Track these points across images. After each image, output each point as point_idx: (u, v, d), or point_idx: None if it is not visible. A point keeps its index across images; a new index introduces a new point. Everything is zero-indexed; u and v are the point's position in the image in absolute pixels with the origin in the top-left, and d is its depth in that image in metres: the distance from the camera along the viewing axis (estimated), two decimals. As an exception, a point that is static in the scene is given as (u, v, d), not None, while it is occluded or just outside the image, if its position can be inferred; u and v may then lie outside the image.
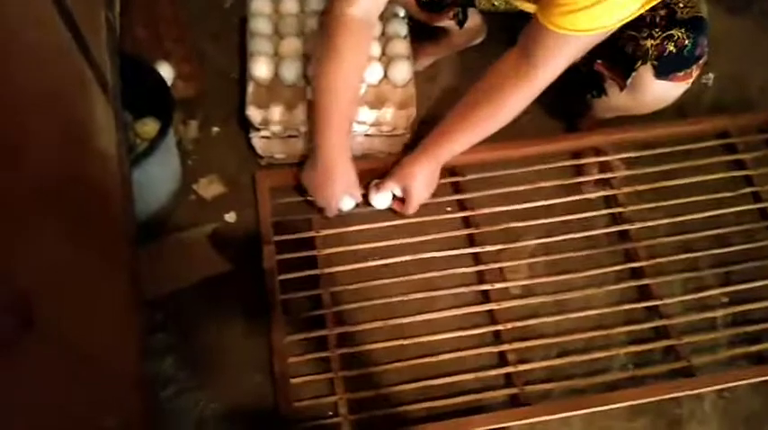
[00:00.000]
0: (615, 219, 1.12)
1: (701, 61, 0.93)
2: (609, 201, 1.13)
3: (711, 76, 1.30)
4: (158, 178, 1.00)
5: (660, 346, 1.02)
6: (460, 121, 0.99)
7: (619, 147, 1.16)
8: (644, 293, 1.06)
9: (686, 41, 0.90)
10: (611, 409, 0.96)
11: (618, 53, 0.93)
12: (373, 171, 1.07)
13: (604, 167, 1.14)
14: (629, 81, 0.94)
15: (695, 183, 1.14)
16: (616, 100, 1.02)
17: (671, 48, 0.90)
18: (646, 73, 0.92)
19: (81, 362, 0.50)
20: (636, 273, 1.07)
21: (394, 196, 1.07)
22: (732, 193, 1.14)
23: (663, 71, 0.92)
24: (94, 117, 0.66)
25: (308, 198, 1.06)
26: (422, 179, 1.03)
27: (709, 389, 0.98)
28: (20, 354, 0.42)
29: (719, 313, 1.05)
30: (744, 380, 0.99)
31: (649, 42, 0.90)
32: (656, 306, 1.04)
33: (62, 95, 0.57)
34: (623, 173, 1.14)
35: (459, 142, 1.00)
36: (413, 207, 1.06)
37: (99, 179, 0.65)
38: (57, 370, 0.46)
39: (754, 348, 1.02)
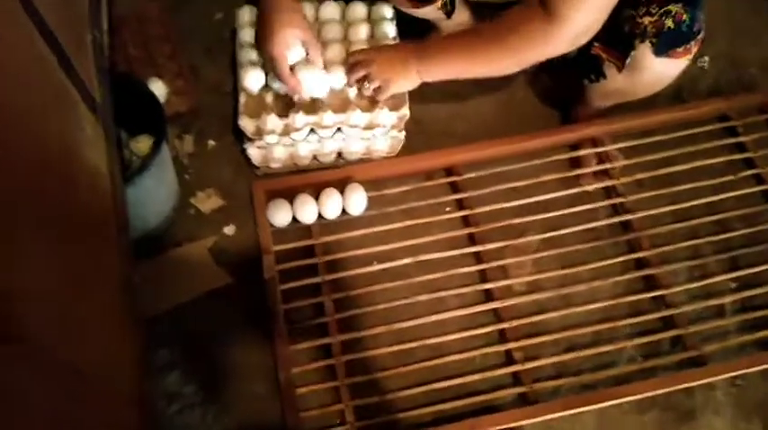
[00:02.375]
0: (616, 210, 1.10)
1: (699, 36, 0.92)
2: (609, 192, 1.12)
3: (707, 58, 1.28)
4: (155, 194, 1.00)
5: (668, 337, 1.00)
6: (460, 45, 0.94)
7: (616, 137, 1.15)
8: (649, 283, 1.05)
9: (684, 16, 0.89)
10: (623, 403, 0.95)
11: (615, 33, 0.92)
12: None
13: (603, 158, 1.13)
14: (628, 61, 0.93)
15: (695, 169, 1.13)
16: (615, 82, 1.00)
17: (669, 23, 0.89)
18: (645, 51, 0.91)
19: (74, 378, 0.49)
20: (640, 264, 1.06)
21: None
22: (733, 177, 1.12)
23: (662, 48, 0.91)
24: (81, 135, 0.66)
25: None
26: (400, 65, 0.97)
27: (720, 377, 0.97)
28: (10, 371, 0.42)
29: (727, 299, 1.04)
30: (756, 366, 0.97)
31: (647, 19, 0.89)
32: (663, 295, 1.03)
33: (44, 114, 0.57)
34: (622, 162, 1.12)
35: (449, 62, 0.95)
36: (388, 91, 0.99)
37: (89, 196, 0.65)
38: (49, 387, 0.46)
39: (764, 333, 1.00)
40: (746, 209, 1.11)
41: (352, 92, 1.03)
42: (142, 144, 1.00)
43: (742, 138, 1.16)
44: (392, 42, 1.07)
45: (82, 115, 0.68)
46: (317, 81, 1.00)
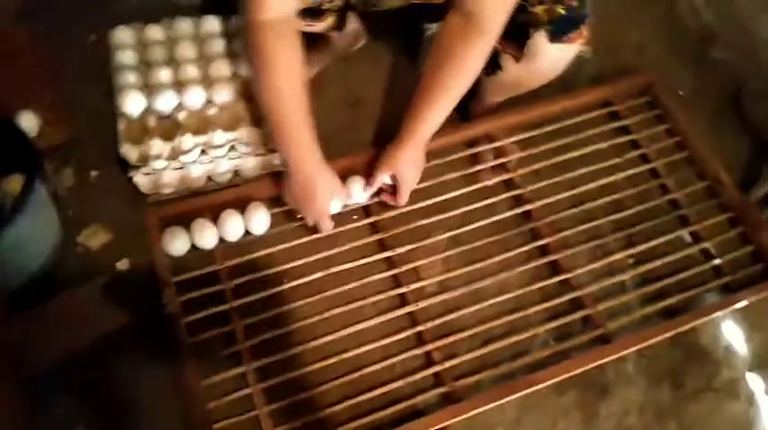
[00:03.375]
0: (517, 201, 1.13)
1: (587, 20, 0.96)
2: (508, 185, 1.14)
3: (588, 48, 1.33)
4: (33, 236, 0.92)
5: (578, 318, 1.04)
6: (429, 96, 0.98)
7: (510, 131, 1.17)
8: (554, 268, 1.08)
9: (574, 2, 0.93)
10: (542, 388, 0.97)
11: (510, 25, 0.94)
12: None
13: (499, 153, 1.15)
14: (525, 50, 0.96)
15: (587, 154, 1.17)
16: (511, 73, 1.03)
17: (560, 10, 0.93)
18: (540, 39, 0.95)
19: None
20: (544, 251, 1.09)
21: (378, 190, 1.08)
22: (621, 159, 1.18)
23: (556, 34, 0.94)
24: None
25: (298, 217, 1.04)
26: (410, 163, 1.03)
27: (629, 351, 1.00)
28: None
29: (627, 275, 1.09)
30: (660, 335, 1.02)
31: (539, 8, 0.93)
32: (568, 279, 1.06)
33: None
34: (518, 155, 1.15)
35: (435, 116, 0.99)
36: (406, 193, 1.06)
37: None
38: None
39: (663, 304, 1.06)
40: (636, 187, 1.16)
41: (243, 108, 0.99)
42: (14, 183, 0.92)
43: (625, 122, 1.22)
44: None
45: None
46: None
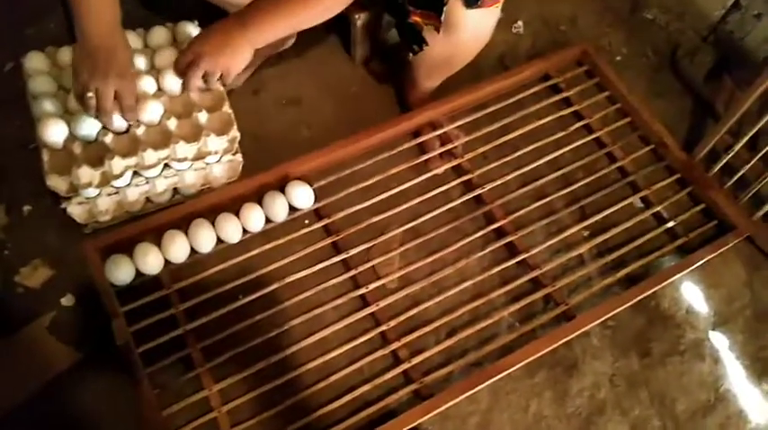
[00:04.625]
0: (467, 187, 1.12)
1: None
2: (457, 171, 1.13)
3: (521, 23, 1.34)
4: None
5: (539, 297, 1.03)
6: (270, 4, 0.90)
7: (452, 117, 1.16)
8: (512, 250, 1.07)
9: None
10: (511, 372, 0.96)
11: None
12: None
13: (444, 140, 1.14)
14: (442, 17, 0.94)
15: (531, 131, 1.17)
16: (437, 47, 1.01)
17: None
18: (456, 6, 0.93)
19: None
20: (500, 233, 1.08)
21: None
22: (566, 132, 1.18)
23: (470, 0, 0.93)
24: None
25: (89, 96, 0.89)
26: (231, 44, 0.90)
27: (592, 324, 1.00)
28: None
29: (584, 248, 1.09)
30: (622, 305, 1.02)
31: None
32: (526, 259, 1.05)
33: None
34: (463, 140, 1.14)
35: (272, 19, 0.90)
36: (213, 66, 0.91)
37: None
38: None
39: (622, 272, 1.06)
40: (584, 159, 1.16)
41: (172, 123, 0.95)
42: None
43: (565, 94, 1.21)
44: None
45: None
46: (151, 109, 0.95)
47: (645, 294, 1.03)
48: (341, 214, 1.06)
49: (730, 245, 1.09)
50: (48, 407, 0.90)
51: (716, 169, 1.14)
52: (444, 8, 0.93)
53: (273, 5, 0.90)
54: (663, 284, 1.05)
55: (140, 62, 0.99)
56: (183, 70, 0.93)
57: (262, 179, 1.05)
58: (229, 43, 0.90)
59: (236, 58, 0.91)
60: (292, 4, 0.90)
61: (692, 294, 1.09)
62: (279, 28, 0.92)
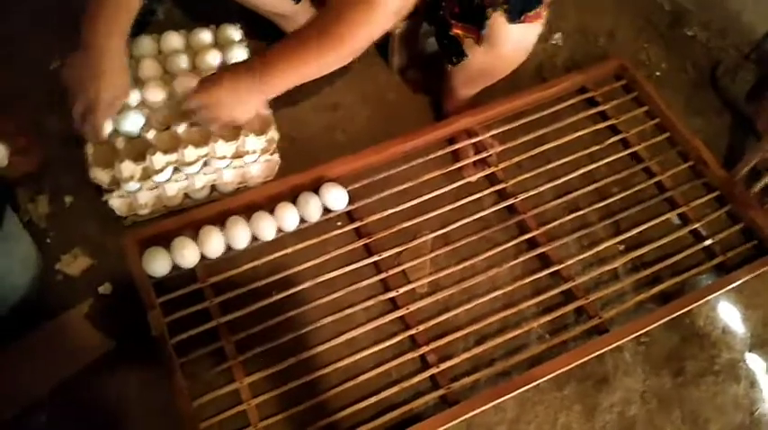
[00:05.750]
0: (501, 196, 1.12)
1: (542, 1, 0.94)
2: (491, 180, 1.13)
3: (560, 35, 1.34)
4: (9, 268, 0.89)
5: (571, 309, 1.02)
6: (294, 50, 0.86)
7: (488, 125, 1.16)
8: (544, 261, 1.06)
9: None
10: (540, 383, 0.96)
11: (468, 7, 0.93)
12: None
13: (479, 147, 1.14)
14: (484, 32, 0.94)
15: (566, 143, 1.16)
16: (477, 60, 1.01)
17: None
18: (499, 20, 0.93)
19: None
20: (532, 244, 1.07)
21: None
22: (601, 145, 1.17)
23: (514, 13, 0.92)
24: None
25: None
26: (244, 95, 0.89)
27: (625, 339, 0.99)
28: None
29: (618, 263, 1.07)
30: (656, 322, 1.00)
31: None
32: (558, 271, 1.04)
33: None
34: (498, 149, 1.14)
35: (288, 71, 0.87)
36: (215, 119, 0.92)
37: None
38: None
39: (656, 289, 1.04)
40: (619, 173, 1.15)
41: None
42: (-16, 216, 0.90)
43: (602, 107, 1.21)
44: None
45: None
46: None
47: (680, 311, 1.01)
48: (373, 217, 1.07)
49: (769, 265, 1.07)
50: (81, 393, 0.92)
51: (757, 188, 1.12)
52: (486, 22, 0.93)
53: (291, 57, 0.87)
54: (699, 303, 1.03)
55: (183, 62, 1.01)
56: (192, 111, 0.92)
57: (297, 179, 1.07)
58: (236, 95, 0.89)
59: (241, 112, 0.91)
60: (308, 58, 0.86)
61: (728, 314, 1.07)
62: (292, 81, 0.89)
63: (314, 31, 0.85)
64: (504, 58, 1.01)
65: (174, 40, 1.03)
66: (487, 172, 1.13)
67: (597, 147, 1.16)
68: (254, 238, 1.03)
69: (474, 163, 1.13)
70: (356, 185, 1.09)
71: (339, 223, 1.08)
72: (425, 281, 1.03)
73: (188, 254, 0.98)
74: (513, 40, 0.96)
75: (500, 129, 1.16)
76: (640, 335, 1.01)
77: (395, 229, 1.07)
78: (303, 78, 0.90)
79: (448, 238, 1.08)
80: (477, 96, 1.15)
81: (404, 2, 0.85)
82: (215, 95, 0.90)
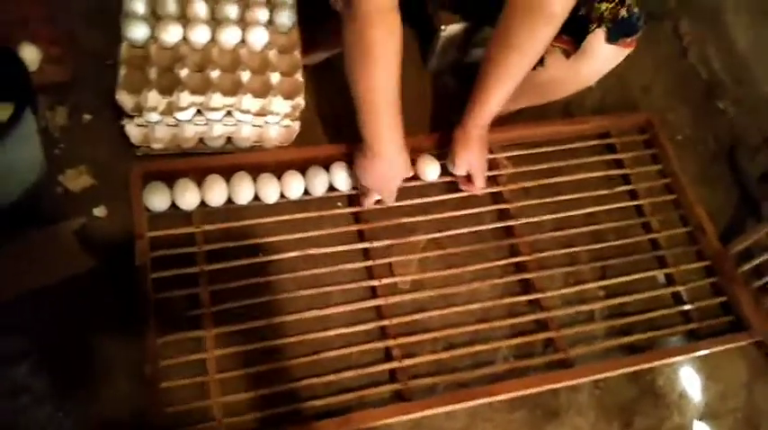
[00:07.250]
0: (501, 215, 1.13)
1: (641, 31, 0.97)
2: (496, 198, 1.15)
3: (596, 78, 1.36)
4: (13, 164, 0.90)
5: (540, 339, 1.04)
6: (493, 81, 0.98)
7: (505, 146, 1.18)
8: (526, 287, 1.08)
9: (635, 8, 0.95)
10: (494, 402, 0.97)
11: (570, 19, 0.94)
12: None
13: (492, 165, 1.16)
14: (582, 44, 0.97)
15: (577, 181, 1.18)
16: (552, 71, 1.03)
17: (623, 13, 0.94)
18: (599, 36, 0.95)
19: None
20: (519, 267, 1.09)
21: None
22: (609, 191, 1.19)
23: (614, 35, 0.95)
24: None
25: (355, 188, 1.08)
26: (482, 147, 1.05)
27: (585, 379, 1.01)
28: None
29: (597, 306, 1.09)
30: (618, 369, 1.02)
31: (605, 5, 0.94)
32: (538, 299, 1.06)
33: None
34: (510, 170, 1.16)
35: (499, 99, 0.99)
36: (482, 178, 1.08)
37: None
38: None
39: (627, 339, 1.06)
40: (619, 222, 1.17)
41: (245, 75, 0.99)
42: (4, 111, 0.91)
43: (620, 155, 1.23)
44: None
45: None
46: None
47: (644, 366, 1.04)
48: (374, 206, 1.09)
49: (740, 343, 1.09)
50: (55, 301, 0.93)
51: (746, 268, 1.14)
52: (588, 36, 0.96)
53: (501, 86, 0.98)
54: (664, 361, 1.05)
55: (232, 12, 1.03)
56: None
57: (311, 152, 1.09)
58: (486, 149, 1.06)
59: (395, 182, 1.04)
60: (514, 73, 0.96)
61: (689, 380, 1.09)
62: (507, 97, 1.00)
63: (510, 66, 0.95)
64: (583, 74, 1.04)
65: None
66: (495, 189, 1.14)
67: (605, 192, 1.19)
68: (256, 198, 1.04)
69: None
70: (364, 172, 1.11)
71: (339, 203, 1.10)
72: (409, 278, 1.05)
73: (189, 196, 0.99)
74: (602, 58, 0.99)
75: (516, 153, 1.18)
76: (600, 379, 1.03)
77: (391, 222, 1.08)
78: (507, 96, 1.00)
79: (440, 243, 1.09)
80: (501, 119, 1.15)
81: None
82: (371, 178, 1.03)
